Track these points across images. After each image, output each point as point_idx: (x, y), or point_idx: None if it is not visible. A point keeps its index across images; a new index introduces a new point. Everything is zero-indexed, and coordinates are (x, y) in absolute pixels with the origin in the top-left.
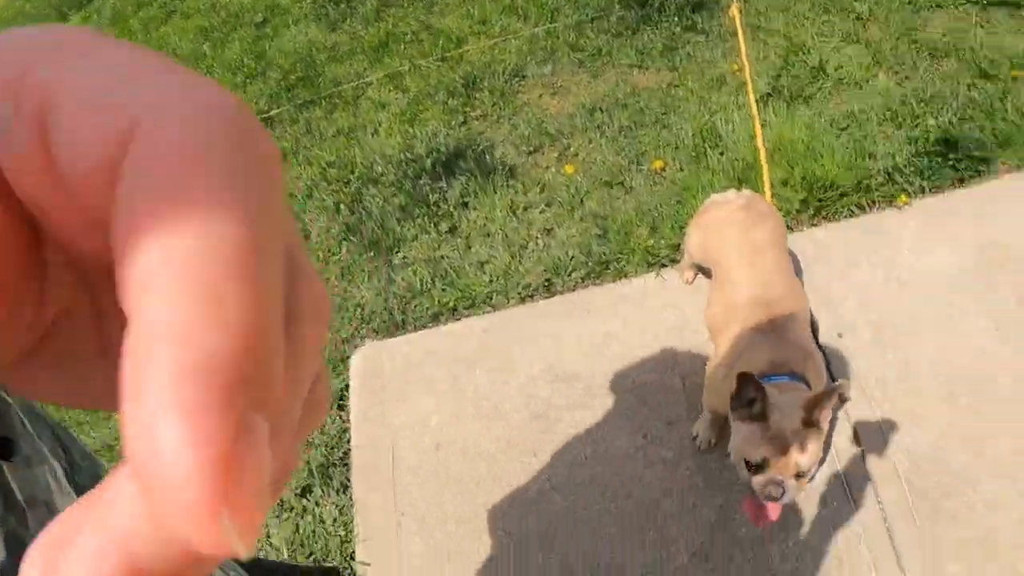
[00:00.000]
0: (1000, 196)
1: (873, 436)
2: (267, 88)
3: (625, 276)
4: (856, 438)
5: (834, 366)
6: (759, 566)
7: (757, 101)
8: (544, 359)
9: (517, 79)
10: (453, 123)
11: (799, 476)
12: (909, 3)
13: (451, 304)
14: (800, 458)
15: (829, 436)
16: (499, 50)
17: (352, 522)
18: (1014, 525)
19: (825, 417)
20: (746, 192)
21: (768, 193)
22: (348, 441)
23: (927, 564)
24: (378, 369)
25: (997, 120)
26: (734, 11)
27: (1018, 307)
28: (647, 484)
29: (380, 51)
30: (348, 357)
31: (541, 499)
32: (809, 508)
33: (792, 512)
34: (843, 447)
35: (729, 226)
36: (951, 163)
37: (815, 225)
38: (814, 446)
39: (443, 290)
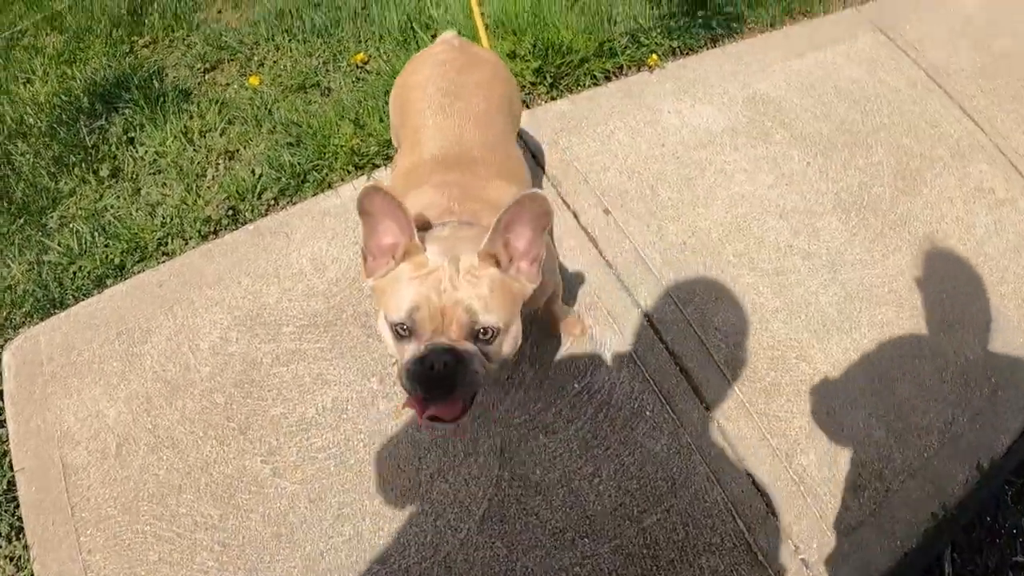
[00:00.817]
0: (757, 52)
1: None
2: None
3: (330, 186)
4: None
5: (605, 244)
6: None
7: None
8: (237, 307)
9: None
10: (117, 54)
11: (481, 337)
12: None
13: (117, 260)
14: (471, 300)
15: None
16: None
17: None
18: None
19: (521, 247)
20: (462, 39)
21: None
22: (10, 466)
23: None
24: (35, 362)
25: None
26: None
27: (801, 159)
28: (397, 440)
29: None
30: None
31: (266, 491)
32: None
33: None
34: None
35: (432, 67)
36: (700, 20)
37: (555, 98)
38: (498, 289)
39: (106, 245)
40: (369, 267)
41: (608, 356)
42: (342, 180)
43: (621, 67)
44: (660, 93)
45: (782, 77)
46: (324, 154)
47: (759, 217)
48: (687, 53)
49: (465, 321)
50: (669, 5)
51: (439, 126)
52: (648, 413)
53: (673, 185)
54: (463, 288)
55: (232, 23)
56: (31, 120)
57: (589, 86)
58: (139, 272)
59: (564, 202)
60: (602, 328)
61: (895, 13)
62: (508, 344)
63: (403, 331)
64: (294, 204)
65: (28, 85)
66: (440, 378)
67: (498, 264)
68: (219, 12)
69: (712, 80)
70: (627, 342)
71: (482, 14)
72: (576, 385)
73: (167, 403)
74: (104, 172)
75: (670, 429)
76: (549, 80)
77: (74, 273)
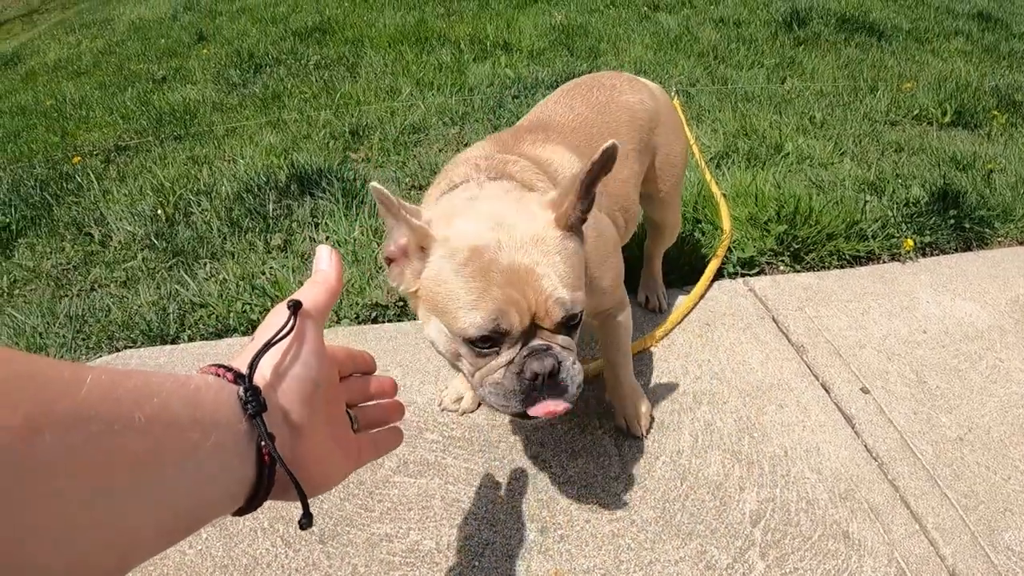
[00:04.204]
0: (1014, 259)
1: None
2: (135, 126)
3: None
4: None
5: (863, 425)
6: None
7: (707, 163)
8: None
9: (417, 133)
10: (328, 156)
11: (567, 325)
12: (865, 117)
13: (254, 317)
14: (557, 289)
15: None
16: (403, 111)
17: None
18: None
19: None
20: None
21: (727, 223)
22: None
23: None
24: None
25: (988, 196)
26: (675, 102)
27: None
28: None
29: (269, 104)
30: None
31: None
32: None
33: None
34: None
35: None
36: (952, 220)
37: (798, 272)
38: (573, 261)
39: (248, 302)
40: (394, 274)
41: (868, 562)
42: None
43: (871, 253)
44: (915, 283)
45: None
46: None
47: None
48: (936, 252)
49: (559, 316)
50: (918, 205)
51: (547, 105)
52: None
53: (941, 374)
54: (542, 268)
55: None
56: (222, 186)
57: (835, 267)
58: None
59: (812, 372)
60: (860, 524)
61: None
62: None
63: (484, 346)
64: None
65: (232, 163)
66: (545, 384)
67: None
68: (440, 150)
69: (970, 279)
70: (892, 545)
71: (717, 182)
72: None
73: None
74: (275, 242)
75: None
76: (792, 251)
77: (200, 316)
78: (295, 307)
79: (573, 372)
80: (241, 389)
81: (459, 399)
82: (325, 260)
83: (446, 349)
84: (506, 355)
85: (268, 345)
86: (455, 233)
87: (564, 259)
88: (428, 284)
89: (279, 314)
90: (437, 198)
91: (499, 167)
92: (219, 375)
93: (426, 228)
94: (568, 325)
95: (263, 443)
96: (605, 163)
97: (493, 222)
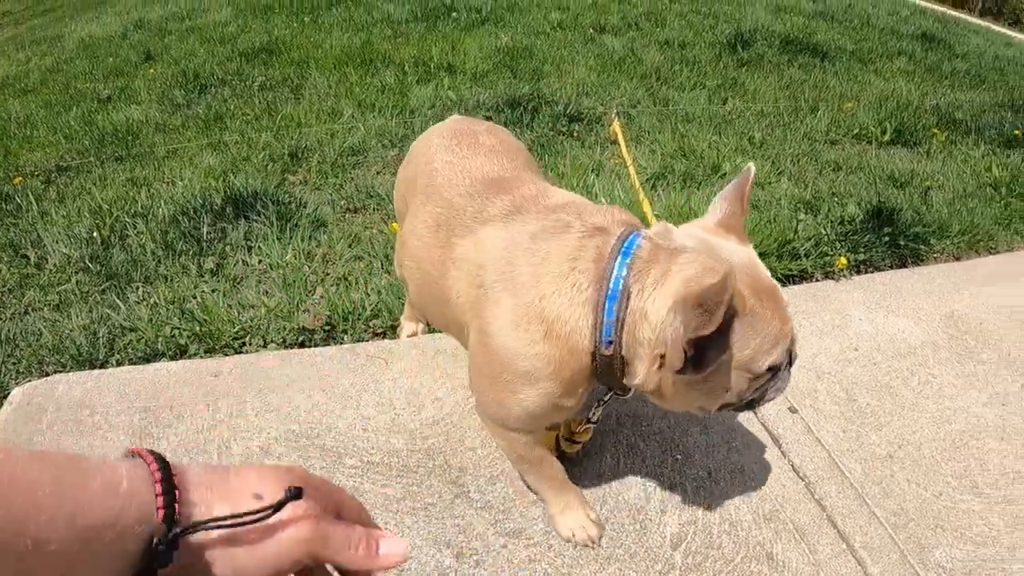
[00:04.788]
0: (948, 276)
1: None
2: (78, 146)
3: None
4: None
5: (791, 444)
6: None
7: (643, 185)
8: (296, 420)
9: (356, 155)
10: (265, 179)
11: None
12: (805, 137)
13: (182, 342)
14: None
15: None
16: (343, 133)
17: None
18: None
19: None
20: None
21: None
22: None
23: None
24: (40, 407)
25: (924, 213)
26: (616, 126)
27: (1015, 380)
28: None
29: (211, 126)
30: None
31: None
32: None
33: None
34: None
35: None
36: (887, 238)
37: None
38: None
39: (177, 326)
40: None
41: None
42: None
43: (804, 272)
44: (848, 300)
45: (979, 300)
46: None
47: (977, 436)
48: (871, 270)
49: None
50: (852, 223)
51: (452, 164)
52: None
53: (872, 391)
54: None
55: (390, 183)
56: (159, 208)
57: None
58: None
59: None
60: (784, 545)
61: None
62: None
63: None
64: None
65: (171, 185)
66: None
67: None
68: (378, 172)
69: (904, 295)
70: (817, 566)
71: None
72: None
73: None
74: (208, 265)
75: None
76: None
77: (129, 340)
78: (288, 497)
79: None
80: (156, 540)
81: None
82: (396, 548)
83: (737, 392)
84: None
85: (227, 522)
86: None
87: None
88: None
89: (267, 480)
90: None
91: (617, 216)
92: (158, 508)
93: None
94: None
95: None
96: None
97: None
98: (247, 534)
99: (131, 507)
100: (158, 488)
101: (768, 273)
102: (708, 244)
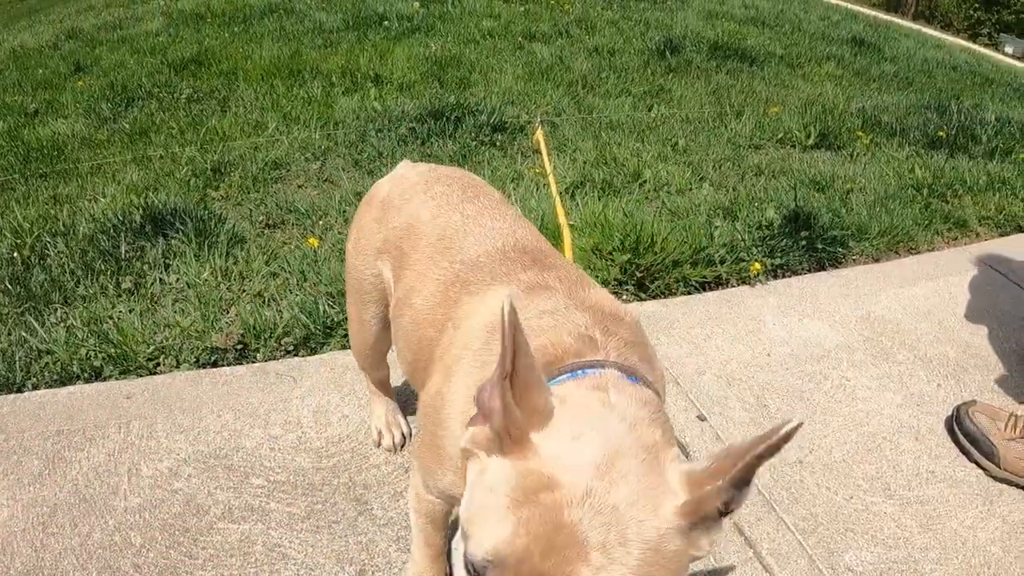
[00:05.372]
0: (866, 277)
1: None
2: (3, 163)
3: None
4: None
5: (699, 453)
6: None
7: (560, 194)
8: (205, 441)
9: (279, 169)
10: (187, 195)
11: None
12: (729, 142)
13: (97, 363)
14: None
15: None
16: (267, 146)
17: None
18: None
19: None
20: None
21: (569, 254)
22: None
23: None
24: None
25: (844, 216)
26: (539, 135)
27: (930, 380)
28: None
29: (136, 140)
30: None
31: None
32: None
33: None
34: None
35: (418, 176)
36: (804, 242)
37: (643, 301)
38: (657, 564)
39: (93, 348)
40: (473, 419)
41: None
42: None
43: (719, 279)
44: (763, 305)
45: (896, 301)
46: None
47: (891, 438)
48: (788, 274)
49: None
50: (771, 228)
51: (473, 219)
52: None
53: (783, 396)
54: (593, 555)
55: (311, 196)
56: (80, 226)
57: (682, 294)
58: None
59: None
60: None
61: (1003, 251)
62: None
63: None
64: (315, 354)
65: (94, 203)
66: None
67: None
68: (300, 186)
69: (820, 299)
70: (723, 574)
71: (567, 213)
72: None
73: (71, 524)
74: (126, 285)
75: None
76: (636, 279)
77: (46, 363)
78: None
79: None
80: None
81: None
82: None
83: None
84: None
85: None
86: (549, 460)
87: (639, 552)
88: (477, 474)
89: None
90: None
91: (622, 351)
92: None
93: (531, 439)
94: None
95: None
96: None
97: (600, 476)
98: None
99: None
100: None
101: (601, 540)
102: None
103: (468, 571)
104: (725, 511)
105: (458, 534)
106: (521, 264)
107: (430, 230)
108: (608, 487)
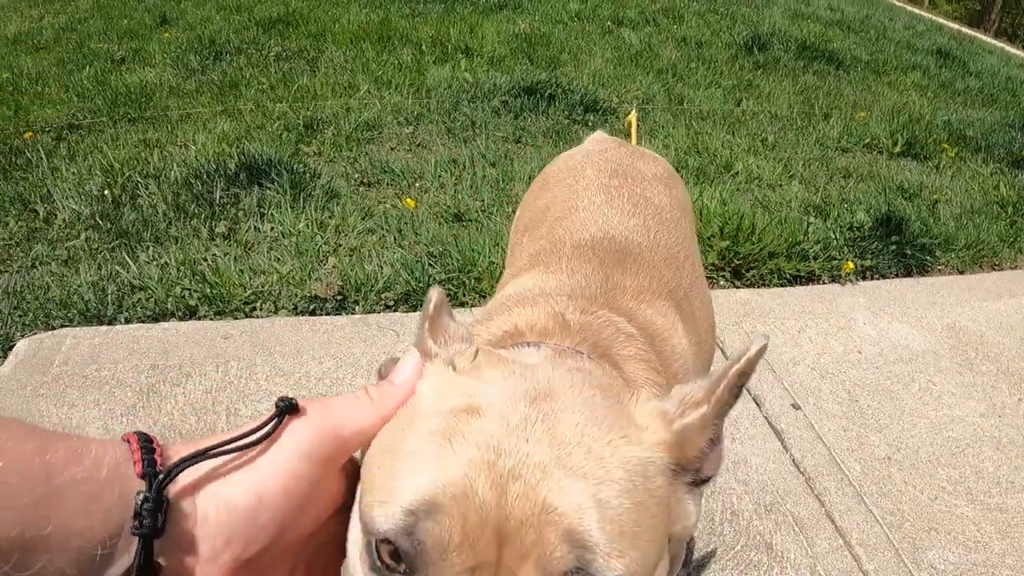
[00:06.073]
0: (951, 288)
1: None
2: (90, 105)
3: (463, 305)
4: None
5: (792, 440)
6: None
7: None
8: (306, 387)
9: (371, 131)
10: (280, 148)
11: None
12: (817, 142)
13: (192, 303)
14: (574, 509)
15: None
16: (359, 108)
17: None
18: None
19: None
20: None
21: None
22: None
23: None
24: (47, 359)
25: (932, 225)
26: (632, 117)
27: (1012, 393)
28: None
29: (226, 92)
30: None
31: None
32: None
33: None
34: None
35: (588, 154)
36: (894, 246)
37: (739, 288)
38: (642, 494)
39: (188, 287)
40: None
41: (789, 574)
42: (479, 303)
43: (812, 274)
44: (854, 304)
45: (981, 314)
46: (470, 270)
47: (973, 444)
48: (876, 277)
49: (556, 560)
50: (861, 230)
51: (597, 207)
52: None
53: (873, 394)
54: (557, 475)
55: (403, 159)
56: (172, 170)
57: (775, 285)
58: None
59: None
60: (783, 536)
61: None
62: None
63: (390, 562)
64: (415, 311)
65: (184, 149)
66: None
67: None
68: (392, 149)
69: (908, 304)
70: (815, 559)
71: None
72: None
73: None
74: (220, 229)
75: None
76: (733, 267)
77: (138, 299)
78: (283, 411)
79: None
80: (139, 495)
81: None
82: (405, 371)
83: (350, 556)
84: None
85: (213, 451)
86: (472, 384)
87: (619, 479)
88: (394, 426)
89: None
90: (492, 338)
91: (600, 340)
92: (134, 460)
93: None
94: None
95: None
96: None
97: (544, 403)
98: (240, 462)
99: (112, 475)
100: (135, 449)
101: (556, 456)
102: None
103: (376, 563)
104: (700, 478)
105: (351, 532)
106: (586, 259)
107: (548, 209)
108: (559, 412)
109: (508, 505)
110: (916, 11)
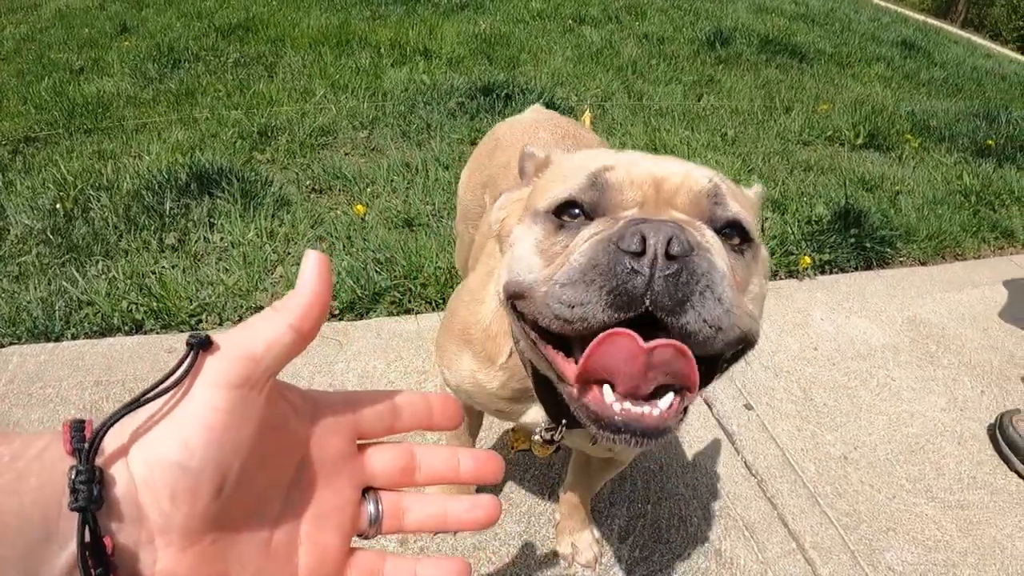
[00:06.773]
0: (912, 280)
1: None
2: (48, 117)
3: (408, 312)
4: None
5: (745, 441)
6: None
7: None
8: None
9: (326, 136)
10: (232, 156)
11: (727, 239)
12: (778, 136)
13: (138, 317)
14: (710, 174)
15: None
16: (314, 112)
17: None
18: None
19: None
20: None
21: None
22: None
23: None
24: None
25: (893, 217)
26: (586, 116)
27: (974, 386)
28: None
29: (182, 101)
30: None
31: None
32: None
33: None
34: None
35: (533, 120)
36: (853, 239)
37: None
38: (745, 201)
39: (134, 301)
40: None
41: None
42: (425, 310)
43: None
44: (811, 300)
45: (943, 306)
46: (415, 276)
47: (933, 440)
48: (835, 271)
49: (704, 196)
50: (820, 223)
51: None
52: None
53: (829, 391)
54: (692, 166)
55: (357, 164)
56: (124, 182)
57: None
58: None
59: None
60: (733, 542)
61: None
62: (756, 285)
63: (571, 216)
64: (361, 319)
65: (138, 159)
66: (659, 282)
67: None
68: (347, 154)
69: (867, 297)
70: (766, 564)
71: None
72: None
73: None
74: (169, 241)
75: None
76: None
77: (86, 314)
78: (196, 347)
79: (715, 294)
80: (72, 469)
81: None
82: (306, 275)
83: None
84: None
85: (130, 405)
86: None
87: (743, 196)
88: (549, 176)
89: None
90: None
91: None
92: (64, 440)
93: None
94: (720, 227)
95: (87, 553)
96: None
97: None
98: (158, 416)
99: (42, 453)
100: (65, 430)
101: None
102: None
103: (550, 225)
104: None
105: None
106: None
107: (508, 166)
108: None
109: (663, 170)
110: (882, 3)
